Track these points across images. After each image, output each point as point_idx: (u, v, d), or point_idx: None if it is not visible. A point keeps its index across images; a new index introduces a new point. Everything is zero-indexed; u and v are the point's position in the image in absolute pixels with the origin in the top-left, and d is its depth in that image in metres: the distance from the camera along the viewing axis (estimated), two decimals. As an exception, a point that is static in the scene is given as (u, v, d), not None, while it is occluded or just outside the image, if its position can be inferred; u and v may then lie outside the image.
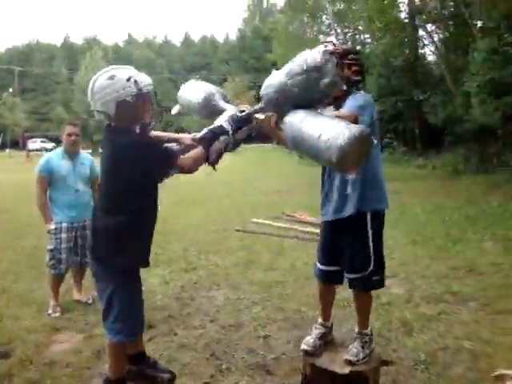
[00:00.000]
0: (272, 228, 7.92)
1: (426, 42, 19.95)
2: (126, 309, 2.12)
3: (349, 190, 2.36)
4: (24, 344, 3.54)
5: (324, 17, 26.74)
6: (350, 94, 2.33)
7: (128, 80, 2.06)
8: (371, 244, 2.31)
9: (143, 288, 4.82)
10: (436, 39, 18.88)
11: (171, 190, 12.51)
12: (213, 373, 3.14)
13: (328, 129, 1.68)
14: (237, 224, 8.15)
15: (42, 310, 4.28)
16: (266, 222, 8.38)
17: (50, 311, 4.22)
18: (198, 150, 2.05)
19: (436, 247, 6.33)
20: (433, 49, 19.19)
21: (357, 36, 26.67)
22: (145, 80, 2.09)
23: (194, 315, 4.17)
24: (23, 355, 3.39)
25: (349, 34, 26.83)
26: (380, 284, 2.38)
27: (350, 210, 2.36)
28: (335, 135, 1.64)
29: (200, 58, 61.62)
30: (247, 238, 7.13)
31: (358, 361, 2.30)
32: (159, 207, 2.33)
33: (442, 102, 16.36)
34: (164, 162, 2.05)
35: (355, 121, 2.04)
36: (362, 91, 2.45)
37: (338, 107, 2.30)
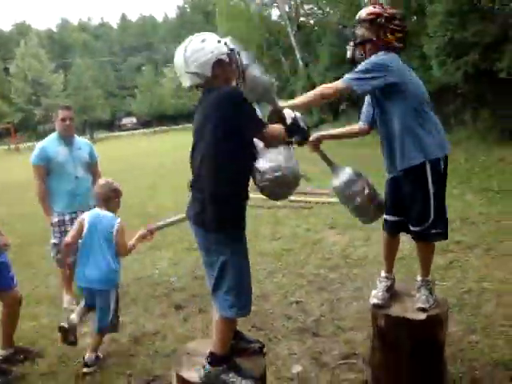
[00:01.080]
0: (258, 200, 7.95)
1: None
2: (238, 281, 2.03)
3: (396, 145, 2.42)
4: (53, 342, 3.40)
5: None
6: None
7: (219, 42, 2.07)
8: (431, 196, 2.37)
9: (156, 271, 4.93)
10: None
11: (142, 175, 12.35)
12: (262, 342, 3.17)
13: None
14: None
15: (55, 305, 4.12)
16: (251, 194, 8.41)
17: (65, 305, 4.06)
18: (282, 129, 2.09)
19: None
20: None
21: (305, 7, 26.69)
22: (230, 42, 2.06)
23: (218, 291, 4.17)
24: (58, 352, 3.27)
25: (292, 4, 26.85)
26: (443, 236, 2.45)
27: (400, 165, 2.41)
28: None
29: (139, 39, 59.48)
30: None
31: (429, 307, 2.41)
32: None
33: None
34: (258, 120, 2.04)
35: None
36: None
37: None
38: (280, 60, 26.94)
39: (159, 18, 66.63)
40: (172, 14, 73.13)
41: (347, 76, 2.32)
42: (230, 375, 2.07)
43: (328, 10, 24.61)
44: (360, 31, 2.44)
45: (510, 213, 5.70)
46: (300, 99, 2.35)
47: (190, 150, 2.15)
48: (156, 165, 14.59)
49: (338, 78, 2.35)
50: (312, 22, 27.54)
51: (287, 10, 26.41)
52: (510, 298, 3.52)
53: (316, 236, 5.57)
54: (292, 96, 3.47)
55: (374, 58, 2.37)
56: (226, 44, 2.05)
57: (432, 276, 3.92)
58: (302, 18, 27.52)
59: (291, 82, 26.00)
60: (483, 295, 3.62)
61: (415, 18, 13.39)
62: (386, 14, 2.39)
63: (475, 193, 6.94)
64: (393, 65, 2.34)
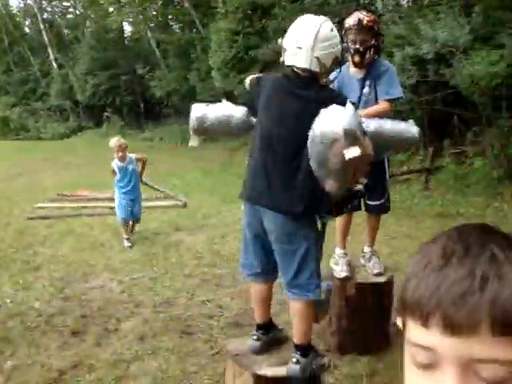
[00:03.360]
0: (65, 209, 7.21)
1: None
2: (318, 263, 2.07)
3: None
4: None
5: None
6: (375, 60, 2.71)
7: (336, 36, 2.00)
8: (387, 177, 2.87)
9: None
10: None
11: None
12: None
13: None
14: (19, 213, 6.90)
15: None
16: (53, 205, 7.50)
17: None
18: None
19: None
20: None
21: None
22: None
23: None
24: None
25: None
26: (388, 209, 2.95)
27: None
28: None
29: None
30: (53, 224, 6.19)
31: (383, 270, 2.85)
32: None
33: (163, 76, 17.34)
34: None
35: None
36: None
37: (367, 70, 2.68)
38: (28, 58, 24.04)
39: None
40: None
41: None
42: (318, 359, 2.06)
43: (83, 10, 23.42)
44: (362, 37, 2.62)
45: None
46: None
47: (263, 120, 2.06)
48: None
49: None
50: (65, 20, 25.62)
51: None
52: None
53: (171, 238, 5.44)
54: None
55: (394, 69, 2.78)
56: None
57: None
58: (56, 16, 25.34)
59: (43, 83, 23.59)
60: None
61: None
62: (376, 21, 2.73)
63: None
64: None
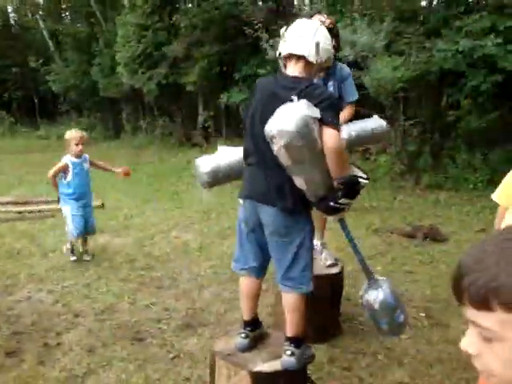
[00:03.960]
0: None
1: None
2: (311, 256, 2.11)
3: None
4: None
5: None
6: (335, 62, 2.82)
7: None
8: None
9: None
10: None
11: None
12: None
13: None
14: None
15: None
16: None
17: None
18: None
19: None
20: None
21: None
22: None
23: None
24: None
25: None
26: None
27: None
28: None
29: None
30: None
31: (335, 261, 3.02)
32: None
33: (61, 70, 16.20)
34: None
35: None
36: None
37: (329, 71, 2.77)
38: None
39: None
40: None
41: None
42: (308, 349, 2.11)
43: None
44: None
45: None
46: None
47: (251, 123, 2.09)
48: None
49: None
50: None
51: None
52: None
53: (97, 241, 5.13)
54: None
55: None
56: None
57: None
58: None
59: None
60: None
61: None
62: (334, 24, 2.83)
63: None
64: None
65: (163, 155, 11.77)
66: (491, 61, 6.55)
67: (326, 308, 2.93)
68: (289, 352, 2.00)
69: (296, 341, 2.04)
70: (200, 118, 12.28)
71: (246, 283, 2.22)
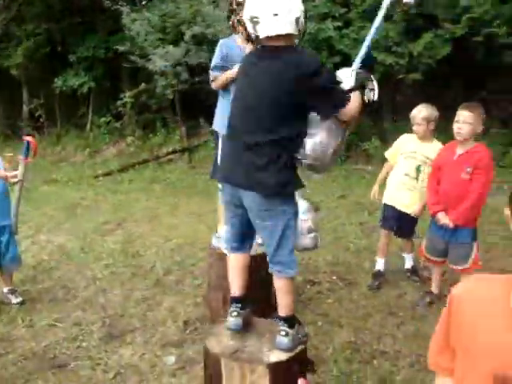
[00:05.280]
0: None
1: None
2: (294, 239, 2.04)
3: None
4: None
5: None
6: None
7: None
8: None
9: None
10: None
11: None
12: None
13: None
14: None
15: None
16: None
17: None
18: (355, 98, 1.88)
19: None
20: None
21: None
22: None
23: None
24: None
25: None
26: None
27: None
28: None
29: None
30: None
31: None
32: None
33: None
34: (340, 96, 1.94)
35: None
36: None
37: None
38: None
39: None
40: None
41: None
42: (301, 328, 2.06)
43: None
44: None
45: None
46: None
47: (237, 104, 1.98)
48: None
49: None
50: None
51: None
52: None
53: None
54: None
55: None
56: None
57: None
58: None
59: None
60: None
61: None
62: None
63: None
64: None
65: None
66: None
67: (261, 288, 2.90)
68: (283, 332, 1.96)
69: (288, 320, 2.02)
70: (25, 107, 10.73)
71: (235, 258, 2.14)
